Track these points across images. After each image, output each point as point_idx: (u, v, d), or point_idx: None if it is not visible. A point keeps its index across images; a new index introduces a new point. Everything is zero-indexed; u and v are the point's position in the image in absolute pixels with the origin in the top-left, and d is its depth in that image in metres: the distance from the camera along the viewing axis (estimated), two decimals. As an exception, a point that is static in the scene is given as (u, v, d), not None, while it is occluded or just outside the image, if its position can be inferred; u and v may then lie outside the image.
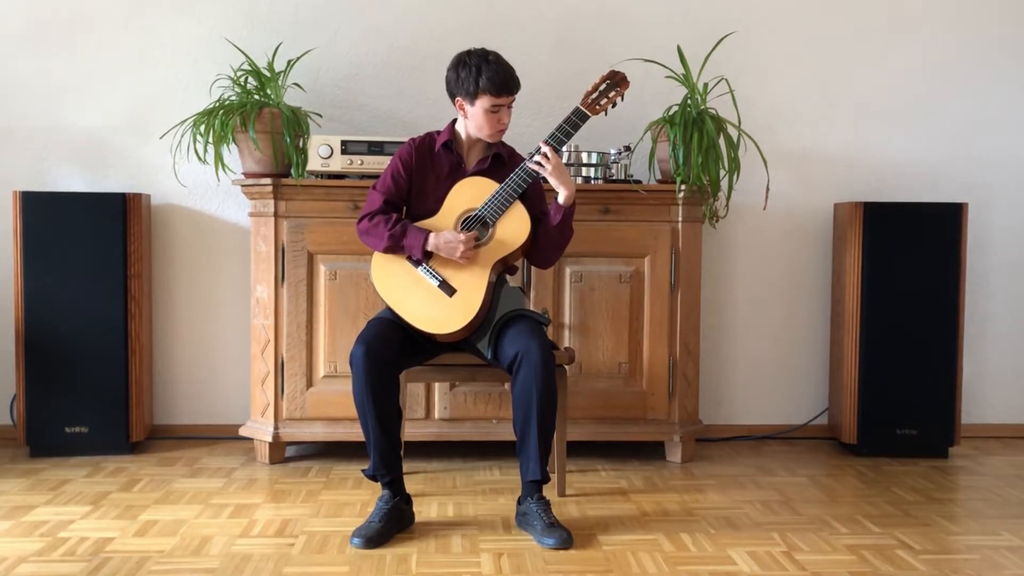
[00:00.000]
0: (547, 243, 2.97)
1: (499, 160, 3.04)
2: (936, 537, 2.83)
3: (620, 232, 3.56)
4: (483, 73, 2.87)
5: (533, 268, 3.52)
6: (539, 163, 2.88)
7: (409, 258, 2.92)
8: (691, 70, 3.63)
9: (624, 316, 3.58)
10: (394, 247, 2.92)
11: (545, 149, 2.88)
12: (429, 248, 2.88)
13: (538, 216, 2.98)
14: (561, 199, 2.92)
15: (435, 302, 2.88)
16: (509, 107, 2.94)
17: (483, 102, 2.89)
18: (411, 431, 3.50)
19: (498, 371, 2.97)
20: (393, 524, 2.78)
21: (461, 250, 2.85)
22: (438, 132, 3.08)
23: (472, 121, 2.95)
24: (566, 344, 3.57)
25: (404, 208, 3.06)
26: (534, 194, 3.00)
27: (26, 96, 3.87)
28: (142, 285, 3.70)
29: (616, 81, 2.99)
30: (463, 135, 3.03)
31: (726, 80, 3.67)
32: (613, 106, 2.99)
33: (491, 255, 2.90)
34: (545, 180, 2.93)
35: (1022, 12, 4.06)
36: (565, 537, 2.69)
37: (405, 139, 3.16)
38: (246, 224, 3.83)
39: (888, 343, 3.73)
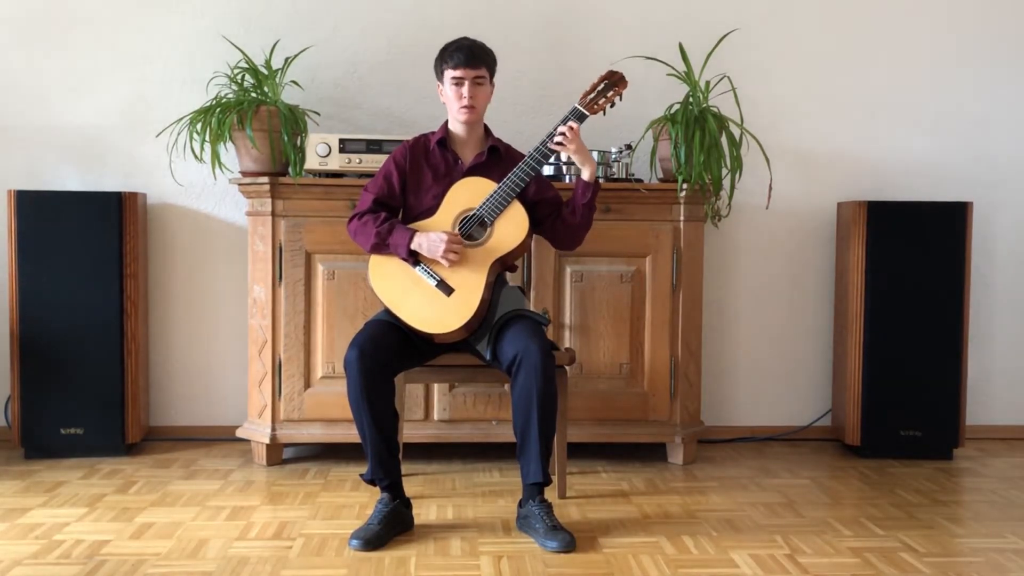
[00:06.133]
0: (575, 222, 2.99)
1: (495, 154, 3.04)
2: (940, 540, 2.81)
3: (621, 231, 3.53)
4: (447, 50, 2.98)
5: (533, 268, 3.50)
6: (561, 141, 2.86)
7: (406, 258, 2.89)
8: (693, 68, 3.60)
9: (625, 316, 3.55)
10: (380, 245, 2.91)
11: (571, 122, 2.87)
12: (413, 247, 2.86)
13: (546, 200, 3.00)
14: (586, 176, 2.95)
15: (433, 302, 2.85)
16: (475, 83, 2.96)
17: (447, 77, 2.97)
18: (410, 433, 3.47)
19: (497, 371, 2.94)
20: (392, 527, 2.75)
21: (443, 249, 2.82)
22: (432, 132, 3.08)
23: (446, 103, 3.01)
24: (567, 344, 3.54)
25: (400, 210, 3.04)
26: (539, 184, 3.00)
27: (21, 94, 3.84)
28: (138, 285, 3.68)
29: (614, 81, 2.96)
30: (456, 131, 3.04)
31: (728, 78, 3.65)
32: (611, 106, 2.97)
33: (489, 254, 2.87)
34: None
35: (1026, 10, 4.04)
36: (568, 540, 2.67)
37: (404, 137, 3.15)
38: (243, 223, 3.80)
39: (892, 343, 3.71)
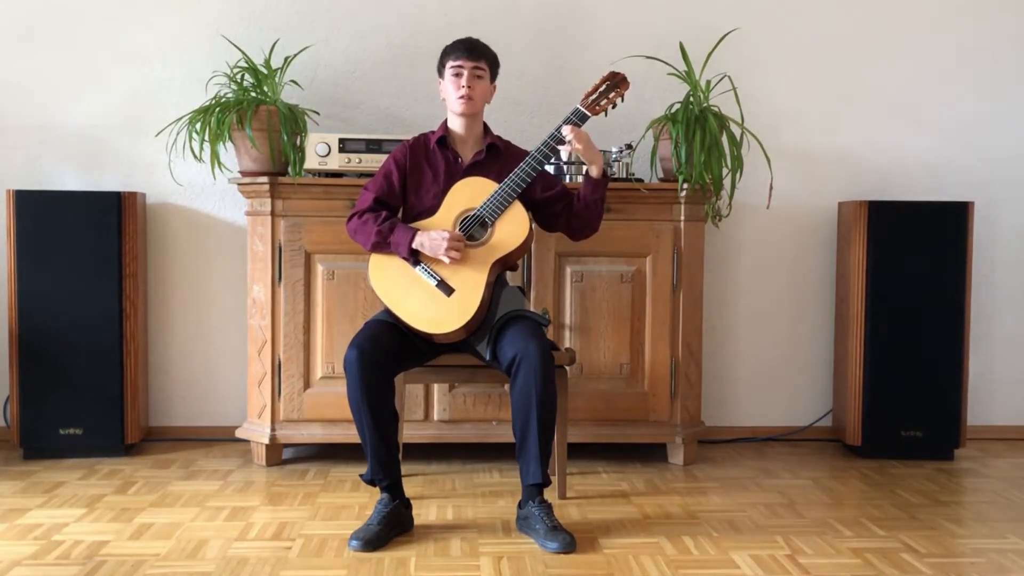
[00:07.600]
0: (587, 214, 3.00)
1: (495, 151, 3.04)
2: (941, 540, 2.80)
3: (622, 231, 3.53)
4: (450, 45, 3.03)
5: (533, 268, 3.50)
6: (571, 139, 2.87)
7: (407, 257, 2.89)
8: (693, 67, 3.60)
9: (625, 316, 3.54)
10: (381, 243, 2.90)
11: (569, 128, 2.86)
12: (415, 246, 2.86)
13: (555, 196, 3.01)
14: (595, 173, 2.96)
15: (433, 302, 2.85)
16: (475, 74, 2.98)
17: (447, 70, 3.00)
18: (410, 433, 3.46)
19: (497, 372, 2.94)
20: (392, 527, 2.75)
21: (444, 247, 2.81)
22: (432, 132, 3.07)
23: (446, 99, 3.02)
24: (567, 345, 3.53)
25: (400, 209, 3.04)
26: (545, 181, 3.01)
27: (20, 94, 3.83)
28: (137, 285, 3.67)
29: (616, 82, 2.96)
30: (455, 129, 3.05)
31: (729, 77, 3.64)
32: (613, 107, 2.97)
33: (489, 255, 2.87)
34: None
35: (1027, 9, 4.03)
36: (568, 541, 2.66)
37: (404, 137, 3.15)
38: (243, 223, 3.79)
39: (893, 344, 3.70)
